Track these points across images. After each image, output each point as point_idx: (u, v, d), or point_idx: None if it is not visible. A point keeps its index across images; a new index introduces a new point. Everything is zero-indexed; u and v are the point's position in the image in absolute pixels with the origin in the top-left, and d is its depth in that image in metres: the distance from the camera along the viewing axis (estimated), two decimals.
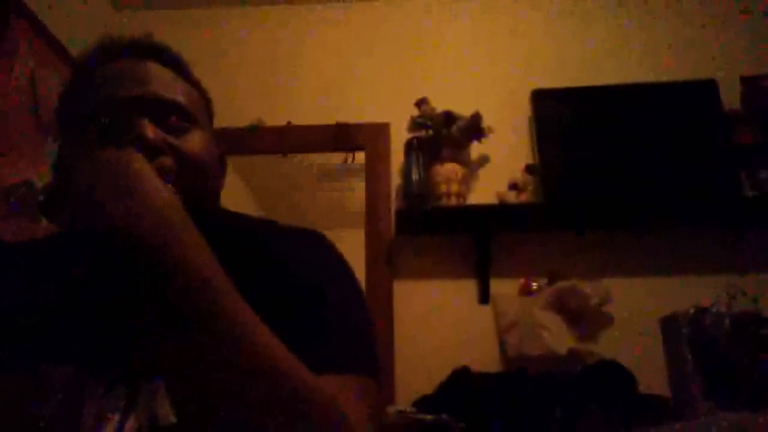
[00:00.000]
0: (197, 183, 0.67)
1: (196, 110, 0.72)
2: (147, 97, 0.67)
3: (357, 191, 2.22)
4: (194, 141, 0.68)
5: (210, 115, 0.78)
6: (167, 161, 0.64)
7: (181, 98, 0.70)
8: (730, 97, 2.03)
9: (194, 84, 0.75)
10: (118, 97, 0.66)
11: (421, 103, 2.09)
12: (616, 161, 2.01)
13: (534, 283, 1.93)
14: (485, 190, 2.06)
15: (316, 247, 0.72)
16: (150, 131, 0.63)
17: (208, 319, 0.45)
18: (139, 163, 0.48)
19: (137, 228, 0.44)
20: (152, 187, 0.47)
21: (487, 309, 1.97)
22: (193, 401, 0.46)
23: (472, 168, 2.11)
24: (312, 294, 0.64)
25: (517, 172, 2.04)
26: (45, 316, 0.61)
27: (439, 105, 2.08)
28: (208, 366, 0.45)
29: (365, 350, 0.63)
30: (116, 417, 0.56)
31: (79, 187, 0.46)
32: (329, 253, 0.72)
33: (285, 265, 0.67)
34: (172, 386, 0.48)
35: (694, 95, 2.05)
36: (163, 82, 0.69)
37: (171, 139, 0.66)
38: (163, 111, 0.67)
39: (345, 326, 0.63)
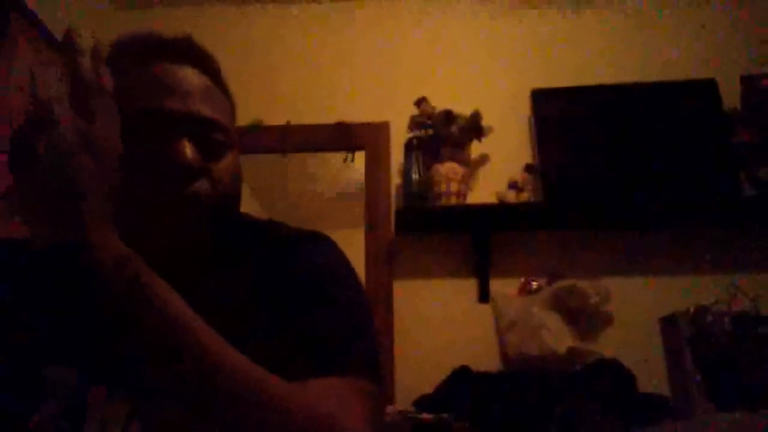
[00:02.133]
0: (228, 206, 0.67)
1: (231, 126, 0.70)
2: (188, 114, 0.64)
3: (357, 191, 2.21)
4: (229, 164, 0.67)
5: (234, 120, 0.75)
6: (204, 185, 0.63)
7: (220, 116, 0.67)
8: (730, 97, 2.03)
9: (227, 93, 0.73)
10: (156, 109, 0.63)
11: (420, 102, 2.08)
12: (616, 161, 2.01)
13: (534, 283, 1.93)
14: (485, 190, 2.06)
15: (321, 250, 0.71)
16: (189, 153, 0.62)
17: (174, 347, 0.48)
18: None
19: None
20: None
21: (486, 308, 1.97)
22: (161, 427, 0.48)
23: (472, 167, 2.11)
24: (315, 298, 0.64)
25: (516, 171, 2.04)
26: (45, 317, 0.61)
27: (439, 104, 2.08)
28: (175, 394, 0.48)
29: (366, 353, 0.62)
30: (118, 430, 0.57)
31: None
32: (334, 255, 0.72)
33: (290, 267, 0.67)
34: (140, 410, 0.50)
35: (694, 95, 2.05)
36: (203, 95, 0.66)
37: (209, 164, 0.64)
38: (203, 129, 0.65)
39: (346, 329, 0.63)
